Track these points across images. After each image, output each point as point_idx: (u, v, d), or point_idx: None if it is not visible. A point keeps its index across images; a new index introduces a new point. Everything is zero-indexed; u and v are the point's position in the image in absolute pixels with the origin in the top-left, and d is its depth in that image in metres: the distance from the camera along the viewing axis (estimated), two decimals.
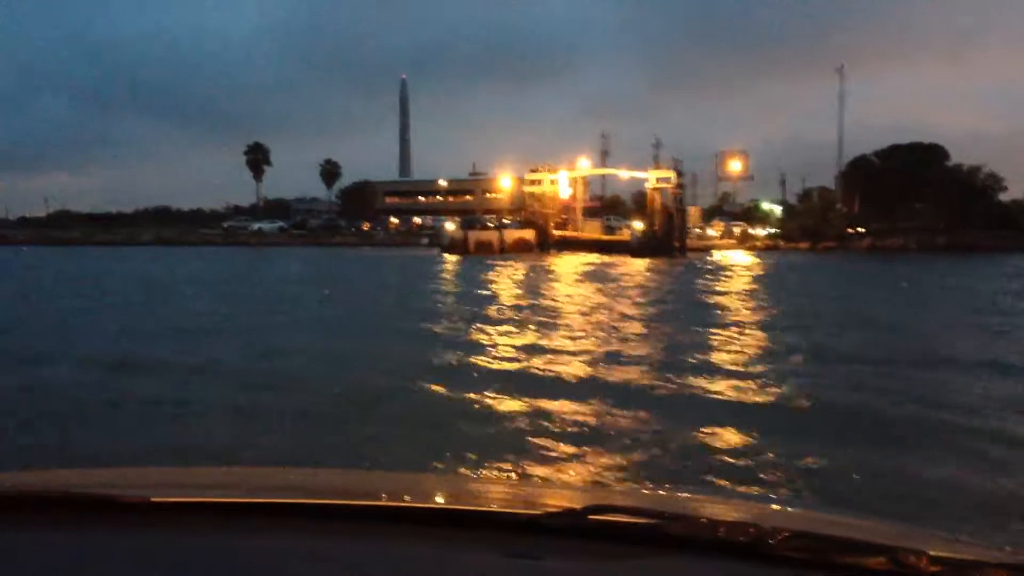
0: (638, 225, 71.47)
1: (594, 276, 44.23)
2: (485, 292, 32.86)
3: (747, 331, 20.77)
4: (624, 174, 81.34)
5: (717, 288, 35.72)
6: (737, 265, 56.75)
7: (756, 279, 43.56)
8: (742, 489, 7.40)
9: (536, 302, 28.70)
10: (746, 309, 26.96)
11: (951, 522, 4.77)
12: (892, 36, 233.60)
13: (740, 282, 40.74)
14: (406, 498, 2.06)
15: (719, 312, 25.61)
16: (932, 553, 1.58)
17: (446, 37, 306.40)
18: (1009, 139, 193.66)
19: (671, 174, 72.62)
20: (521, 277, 43.34)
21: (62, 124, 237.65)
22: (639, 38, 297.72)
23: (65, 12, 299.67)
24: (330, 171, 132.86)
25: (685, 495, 2.77)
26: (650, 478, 8.37)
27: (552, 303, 28.46)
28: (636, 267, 54.07)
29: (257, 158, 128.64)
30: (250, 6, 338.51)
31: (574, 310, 25.98)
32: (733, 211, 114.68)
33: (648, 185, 73.64)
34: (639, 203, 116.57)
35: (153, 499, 1.78)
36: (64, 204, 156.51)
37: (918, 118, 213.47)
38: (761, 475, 8.35)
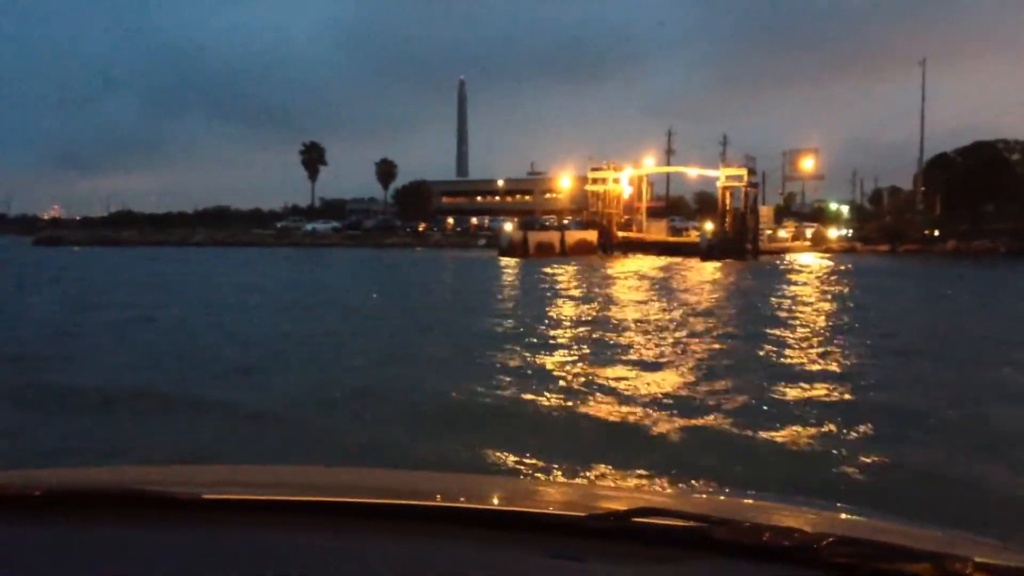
0: (708, 226, 66.95)
1: (664, 283, 40.31)
2: (549, 307, 29.03)
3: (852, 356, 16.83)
4: (692, 172, 77.01)
5: (804, 298, 31.69)
6: (816, 269, 52.31)
7: (846, 287, 39.18)
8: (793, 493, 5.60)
9: (608, 316, 24.97)
10: (846, 326, 22.80)
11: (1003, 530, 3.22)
12: (960, 36, 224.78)
13: (827, 290, 36.48)
14: (450, 498, 2.05)
15: (814, 330, 21.61)
16: (978, 560, 1.58)
17: (506, 35, 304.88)
18: None
19: (743, 172, 68.12)
20: (587, 285, 39.42)
21: (126, 125, 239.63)
22: (703, 37, 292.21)
23: (125, 12, 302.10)
24: (386, 171, 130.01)
25: (730, 498, 2.78)
26: (696, 480, 8.13)
27: (625, 317, 24.63)
28: (706, 272, 50.01)
29: (312, 157, 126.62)
30: (311, 6, 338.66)
31: (652, 326, 22.14)
32: (801, 212, 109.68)
33: (719, 183, 69.22)
34: (702, 203, 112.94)
35: (204, 496, 1.82)
36: (125, 204, 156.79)
37: (989, 119, 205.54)
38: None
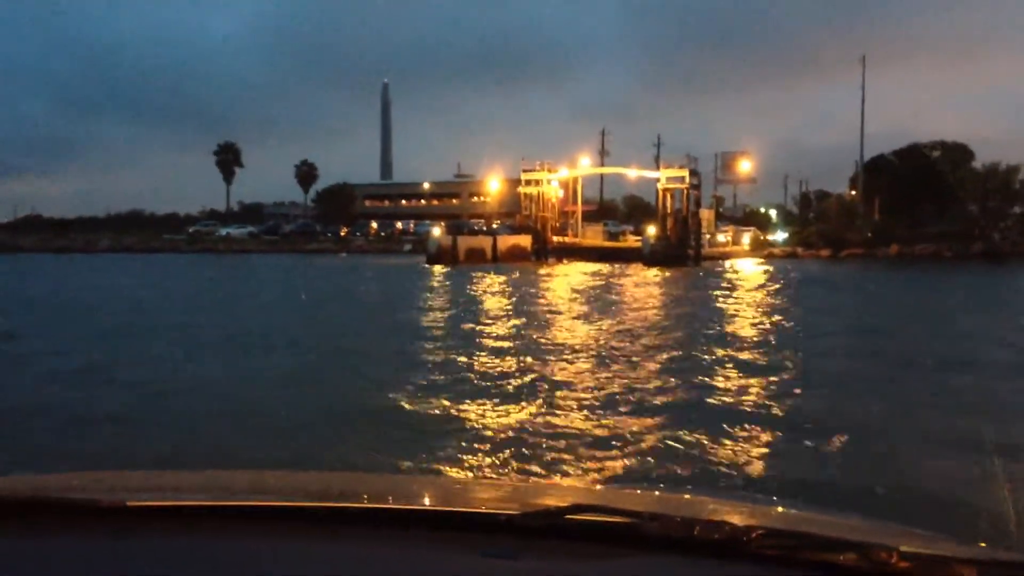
0: (651, 230, 62.90)
1: (608, 295, 36.06)
2: (483, 327, 24.56)
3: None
4: (631, 173, 72.75)
5: (761, 308, 27.81)
6: (763, 278, 48.69)
7: (799, 296, 35.51)
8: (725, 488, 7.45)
9: (554, 340, 20.59)
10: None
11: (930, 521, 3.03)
12: (888, 40, 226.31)
13: (782, 301, 32.71)
14: (383, 500, 2.06)
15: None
16: (903, 549, 1.61)
17: (433, 38, 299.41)
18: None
19: (684, 173, 64.47)
20: (524, 297, 34.93)
21: (37, 126, 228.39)
22: (634, 40, 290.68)
23: (36, 8, 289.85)
24: (306, 173, 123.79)
25: (662, 495, 2.82)
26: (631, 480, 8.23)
27: (574, 342, 20.32)
28: (650, 280, 46.04)
29: (227, 159, 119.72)
30: (232, 5, 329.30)
31: (606, 356, 17.88)
32: (733, 216, 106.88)
33: (659, 185, 65.47)
34: (633, 207, 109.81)
35: (129, 503, 1.79)
36: (35, 209, 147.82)
37: (921, 121, 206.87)
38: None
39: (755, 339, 20.63)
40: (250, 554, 1.62)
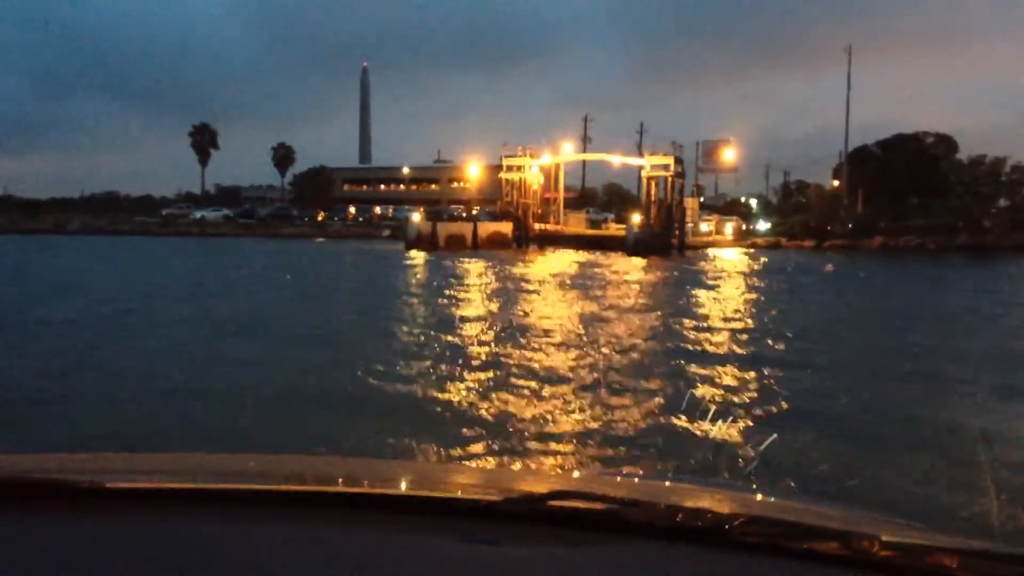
0: (636, 218, 61.56)
1: (592, 284, 34.84)
2: (468, 319, 23.38)
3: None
4: (615, 160, 71.49)
5: (751, 300, 26.76)
6: (749, 267, 47.74)
7: (789, 287, 34.49)
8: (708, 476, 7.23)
9: (542, 335, 19.43)
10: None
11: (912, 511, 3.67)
12: (873, 30, 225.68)
13: (772, 293, 31.67)
14: (362, 484, 2.05)
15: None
16: (884, 538, 1.62)
17: (415, 22, 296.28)
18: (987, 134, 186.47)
19: (669, 160, 63.26)
20: (507, 287, 33.69)
21: (11, 105, 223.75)
22: (618, 26, 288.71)
23: None
24: (283, 156, 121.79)
25: (645, 482, 2.83)
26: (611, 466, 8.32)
27: (561, 338, 19.24)
28: (634, 269, 44.92)
29: (203, 140, 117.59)
30: None
31: (593, 355, 16.85)
32: (714, 205, 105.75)
33: (643, 173, 64.31)
34: (612, 195, 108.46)
35: (108, 485, 1.77)
36: (7, 189, 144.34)
37: (904, 111, 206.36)
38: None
39: (742, 329, 19.77)
40: (228, 537, 1.59)
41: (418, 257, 53.32)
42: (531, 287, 32.49)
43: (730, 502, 2.04)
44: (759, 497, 2.38)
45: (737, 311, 24.58)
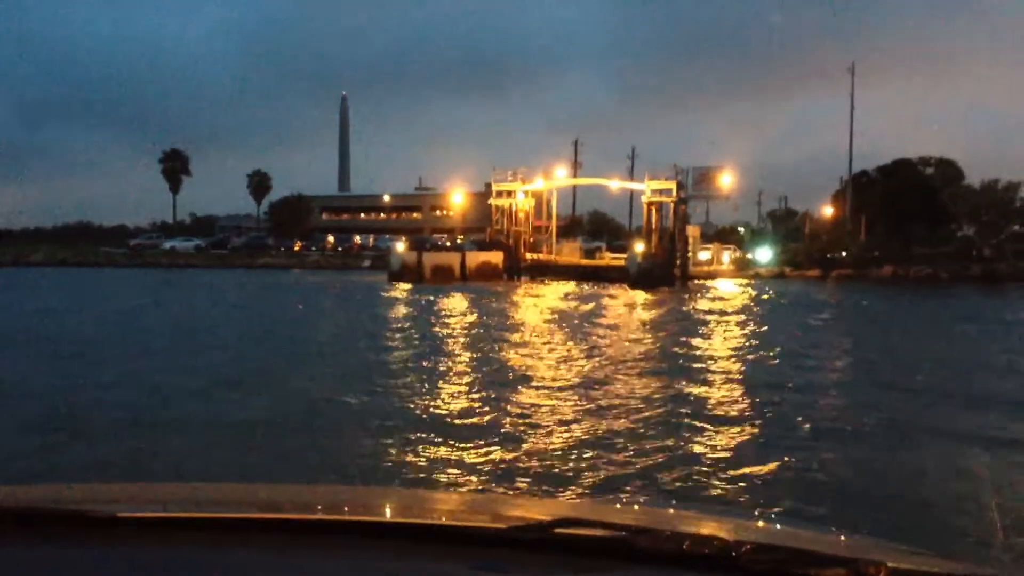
0: (639, 247, 56.97)
1: (598, 322, 30.50)
2: (482, 363, 18.99)
3: None
4: (614, 184, 67.21)
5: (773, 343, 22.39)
6: (747, 298, 43.50)
7: (827, 325, 30.20)
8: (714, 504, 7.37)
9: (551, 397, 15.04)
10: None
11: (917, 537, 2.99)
12: (865, 57, 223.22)
13: (820, 336, 27.35)
14: (373, 513, 2.06)
15: None
16: (891, 565, 1.62)
17: (397, 49, 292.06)
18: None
19: (671, 185, 59.28)
20: (507, 327, 29.20)
21: None
22: (606, 52, 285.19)
23: None
24: (259, 184, 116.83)
25: (651, 509, 2.81)
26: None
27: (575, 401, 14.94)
28: (644, 305, 40.65)
29: (174, 167, 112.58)
30: (193, 12, 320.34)
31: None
32: (705, 233, 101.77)
33: (643, 199, 60.10)
34: (596, 223, 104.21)
35: (119, 515, 1.79)
36: None
37: (895, 141, 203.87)
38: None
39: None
40: (239, 566, 1.59)
41: (402, 290, 48.77)
42: (535, 327, 28.02)
43: (736, 529, 2.00)
44: (764, 524, 2.35)
45: (763, 355, 20.15)
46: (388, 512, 2.09)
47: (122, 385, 15.71)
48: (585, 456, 10.42)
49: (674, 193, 58.55)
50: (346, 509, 2.04)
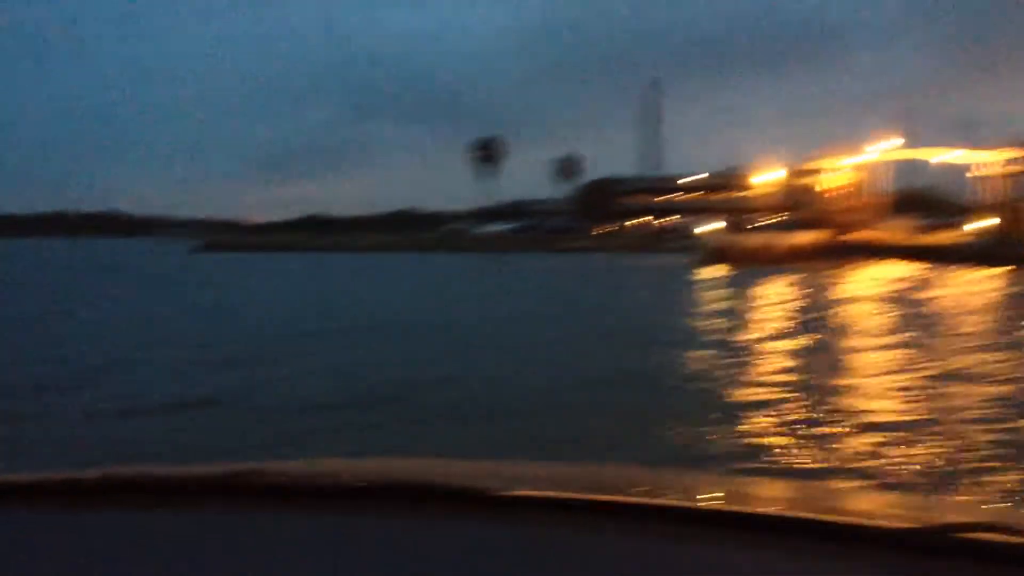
0: (984, 223, 50.61)
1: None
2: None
3: None
4: (952, 155, 60.38)
5: None
6: None
7: None
8: None
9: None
10: None
11: None
12: None
13: None
14: (750, 504, 1.91)
15: None
16: None
17: (704, 28, 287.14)
18: None
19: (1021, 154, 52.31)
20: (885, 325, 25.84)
21: (321, 131, 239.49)
22: (921, 21, 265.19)
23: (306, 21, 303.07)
24: (569, 168, 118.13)
25: None
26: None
27: None
28: (993, 288, 35.40)
29: (488, 154, 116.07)
30: (494, 9, 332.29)
31: None
32: None
33: (981, 172, 53.46)
34: (917, 199, 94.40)
35: (513, 493, 1.75)
36: (307, 210, 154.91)
37: None
38: None
39: None
40: (622, 552, 1.52)
41: (716, 274, 45.97)
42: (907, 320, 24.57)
43: None
44: None
45: None
46: (771, 505, 1.89)
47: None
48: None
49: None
50: (741, 501, 1.90)
